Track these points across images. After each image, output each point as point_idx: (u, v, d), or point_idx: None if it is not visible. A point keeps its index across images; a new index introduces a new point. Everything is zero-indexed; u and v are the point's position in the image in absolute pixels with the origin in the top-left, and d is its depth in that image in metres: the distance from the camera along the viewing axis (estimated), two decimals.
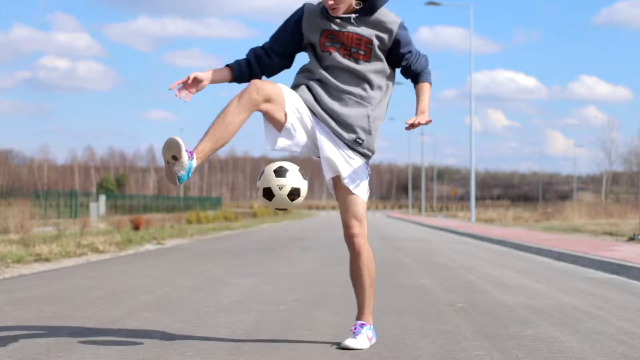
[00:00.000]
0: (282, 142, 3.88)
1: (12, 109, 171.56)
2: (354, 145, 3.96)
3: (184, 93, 3.92)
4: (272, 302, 5.89)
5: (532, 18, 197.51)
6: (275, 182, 3.76)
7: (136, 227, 19.68)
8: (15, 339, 4.12)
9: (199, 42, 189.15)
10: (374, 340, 4.08)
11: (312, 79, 4.00)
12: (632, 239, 15.00)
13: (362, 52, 3.94)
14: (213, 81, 3.99)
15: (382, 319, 5.08)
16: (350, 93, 3.95)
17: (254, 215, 44.69)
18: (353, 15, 3.93)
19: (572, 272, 9.37)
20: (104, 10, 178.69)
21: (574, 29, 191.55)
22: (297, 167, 3.83)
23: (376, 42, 3.94)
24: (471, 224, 32.06)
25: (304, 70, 4.07)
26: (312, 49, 4.04)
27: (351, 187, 3.98)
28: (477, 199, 75.42)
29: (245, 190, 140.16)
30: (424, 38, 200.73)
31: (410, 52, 4.01)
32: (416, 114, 4.04)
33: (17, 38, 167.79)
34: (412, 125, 3.95)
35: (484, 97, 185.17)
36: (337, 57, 3.95)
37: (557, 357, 3.91)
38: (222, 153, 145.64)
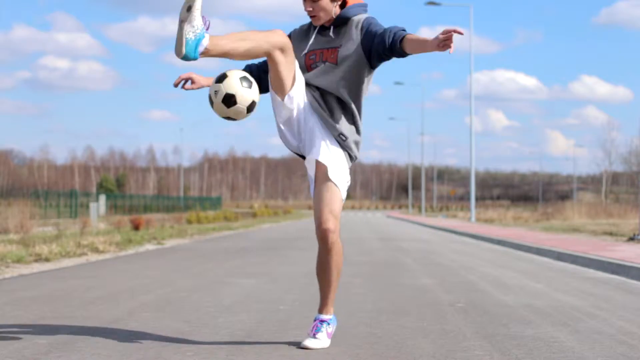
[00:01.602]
0: (285, 112, 3.94)
1: (12, 109, 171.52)
2: (339, 139, 4.02)
3: (180, 84, 4.11)
4: (272, 302, 5.89)
5: (532, 18, 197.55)
6: (212, 87, 3.76)
7: (136, 227, 19.68)
8: (15, 339, 4.13)
9: None
10: (332, 329, 4.09)
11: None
12: (632, 239, 15.00)
13: (331, 56, 4.03)
14: (209, 85, 4.14)
15: (382, 318, 5.09)
16: (335, 96, 4.02)
17: (254, 215, 44.71)
18: (332, 29, 4.04)
19: (572, 272, 9.37)
20: (105, 10, 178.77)
21: (575, 29, 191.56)
22: (239, 75, 3.77)
23: (345, 45, 3.99)
24: (471, 224, 32.07)
25: None
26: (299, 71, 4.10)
27: (330, 173, 3.94)
28: (477, 199, 75.47)
29: (245, 190, 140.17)
30: None
31: (377, 31, 3.93)
32: (434, 39, 3.67)
33: (18, 38, 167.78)
34: (449, 40, 3.62)
35: (484, 97, 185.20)
36: (317, 71, 4.04)
37: (557, 357, 3.91)
38: (222, 153, 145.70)
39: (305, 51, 4.09)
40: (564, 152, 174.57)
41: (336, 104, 4.04)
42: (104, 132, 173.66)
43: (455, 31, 3.62)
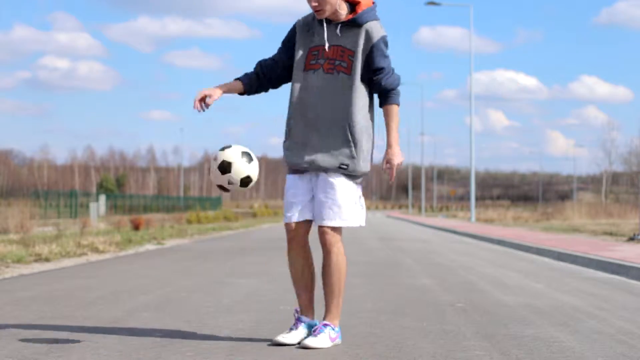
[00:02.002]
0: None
1: (12, 109, 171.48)
2: (340, 171, 3.98)
3: (198, 106, 4.04)
4: (272, 302, 5.89)
5: (532, 18, 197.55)
6: (225, 178, 3.84)
7: (136, 227, 19.68)
8: (15, 339, 4.13)
9: (200, 42, 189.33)
10: (338, 341, 4.05)
11: (293, 116, 4.06)
12: (632, 239, 15.00)
13: (344, 65, 3.98)
14: (225, 92, 4.12)
15: (382, 319, 5.09)
16: (330, 118, 3.98)
17: (254, 215, 44.73)
18: (339, 26, 3.99)
19: (572, 272, 9.37)
20: (105, 10, 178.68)
21: (575, 29, 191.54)
22: (239, 154, 3.85)
23: (359, 54, 3.96)
24: (471, 224, 32.06)
25: (289, 105, 4.11)
26: (296, 68, 4.08)
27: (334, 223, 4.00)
28: (477, 199, 75.37)
29: (245, 190, 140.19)
30: (424, 38, 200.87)
31: (383, 68, 3.99)
32: (386, 146, 4.04)
33: (18, 38, 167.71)
34: (391, 170, 3.99)
35: (484, 97, 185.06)
36: (321, 73, 4.00)
37: (557, 357, 3.91)
38: None
39: (311, 45, 4.04)
40: (564, 152, 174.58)
41: (331, 125, 3.98)
42: (104, 132, 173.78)
43: (391, 176, 4.01)
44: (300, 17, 4.15)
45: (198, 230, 20.74)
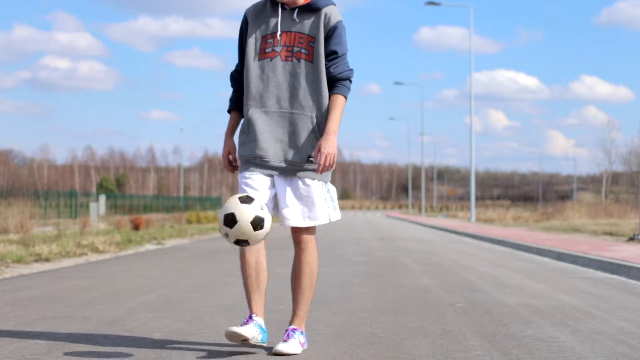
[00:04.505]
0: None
1: (13, 109, 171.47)
2: (310, 166, 3.84)
3: (232, 169, 4.03)
4: (272, 302, 5.88)
5: (533, 18, 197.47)
6: (240, 207, 3.58)
7: (136, 227, 19.68)
8: (15, 339, 4.13)
9: (200, 42, 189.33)
10: (305, 346, 3.95)
11: (252, 106, 3.89)
12: (632, 239, 15.00)
13: (304, 52, 3.85)
14: (234, 132, 4.04)
15: (382, 319, 5.09)
16: (292, 106, 3.84)
17: None
18: (296, 11, 3.86)
19: (572, 272, 9.37)
20: (105, 9, 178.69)
21: (575, 29, 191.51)
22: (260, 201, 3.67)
23: (320, 40, 3.83)
24: (471, 224, 32.06)
25: (246, 97, 3.93)
26: (249, 57, 3.92)
27: (307, 222, 3.86)
28: (477, 199, 75.44)
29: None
30: (424, 38, 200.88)
31: (337, 52, 3.85)
32: (324, 133, 3.82)
33: (18, 38, 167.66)
34: (321, 159, 3.76)
35: (484, 97, 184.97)
36: (279, 61, 3.85)
37: (557, 357, 3.91)
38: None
39: (265, 33, 3.89)
40: (564, 152, 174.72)
41: (296, 115, 3.83)
42: (104, 132, 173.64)
43: (319, 165, 3.77)
44: (249, 6, 4.01)
45: (198, 230, 20.74)
